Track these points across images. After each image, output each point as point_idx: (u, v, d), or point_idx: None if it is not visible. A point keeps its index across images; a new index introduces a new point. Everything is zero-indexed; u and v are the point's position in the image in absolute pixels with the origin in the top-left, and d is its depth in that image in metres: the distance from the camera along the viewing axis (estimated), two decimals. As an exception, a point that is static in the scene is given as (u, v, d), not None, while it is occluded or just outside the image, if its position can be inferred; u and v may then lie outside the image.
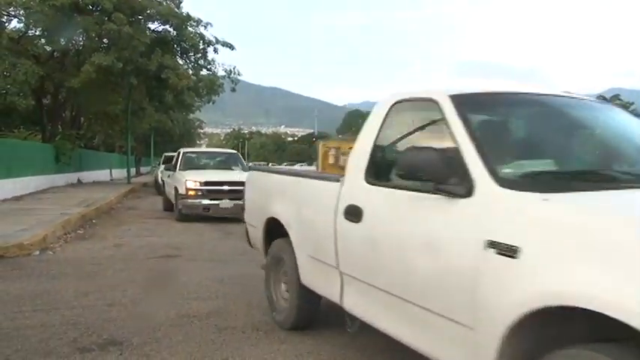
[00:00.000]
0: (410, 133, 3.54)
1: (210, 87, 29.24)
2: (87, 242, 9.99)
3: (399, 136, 3.66)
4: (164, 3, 25.77)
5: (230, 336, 4.69)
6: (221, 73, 28.26)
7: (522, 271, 2.27)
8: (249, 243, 6.13)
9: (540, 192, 2.47)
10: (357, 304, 3.73)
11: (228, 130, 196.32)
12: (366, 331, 4.85)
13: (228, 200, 12.98)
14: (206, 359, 4.14)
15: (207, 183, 13.32)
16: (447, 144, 2.98)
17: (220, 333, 4.76)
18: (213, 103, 31.99)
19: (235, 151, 18.40)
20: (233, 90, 29.13)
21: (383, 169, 3.64)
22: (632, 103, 54.11)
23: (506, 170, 2.82)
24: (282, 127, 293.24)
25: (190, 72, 27.86)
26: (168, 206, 15.55)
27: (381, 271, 3.36)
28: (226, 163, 15.81)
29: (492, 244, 2.43)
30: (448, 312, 2.71)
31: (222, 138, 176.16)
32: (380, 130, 3.70)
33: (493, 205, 2.60)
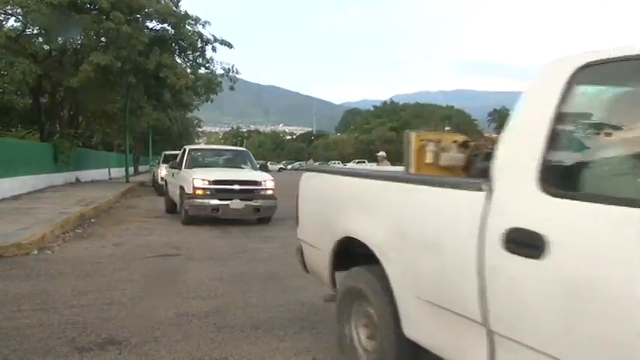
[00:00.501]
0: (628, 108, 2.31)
1: (209, 85, 29.21)
2: (86, 241, 9.98)
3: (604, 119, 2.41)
4: (162, 2, 25.73)
5: (229, 335, 4.69)
6: (219, 71, 28.26)
7: None
8: (304, 267, 4.80)
9: None
10: None
11: (227, 129, 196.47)
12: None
13: (239, 201, 12.41)
14: (205, 358, 4.14)
15: (216, 182, 12.59)
16: None
17: (219, 332, 4.76)
18: (211, 101, 31.98)
19: (245, 149, 17.46)
20: (231, 88, 29.12)
21: (580, 171, 2.33)
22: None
23: None
24: (281, 125, 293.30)
25: (189, 71, 27.81)
26: (171, 208, 14.92)
27: (583, 337, 2.03)
28: (235, 161, 15.11)
29: None
30: None
31: (220, 137, 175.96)
32: (558, 111, 2.32)
33: None
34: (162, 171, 22.67)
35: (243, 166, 14.82)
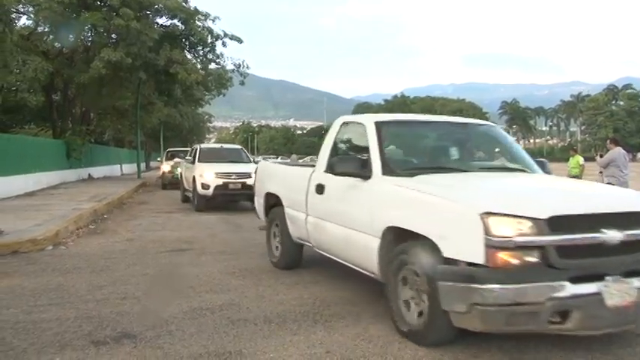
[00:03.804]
0: None
1: (219, 81, 29.30)
2: (99, 237, 10.07)
3: None
4: (171, -3, 25.78)
5: (243, 328, 4.72)
6: (230, 66, 28.34)
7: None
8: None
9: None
10: None
11: (237, 124, 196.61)
12: (378, 322, 4.88)
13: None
14: (220, 351, 4.17)
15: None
16: None
17: (233, 325, 4.79)
18: (224, 95, 32.08)
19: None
20: (242, 83, 29.19)
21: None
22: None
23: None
24: (291, 120, 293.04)
25: (199, 66, 27.89)
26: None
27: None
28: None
29: None
30: None
31: (231, 132, 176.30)
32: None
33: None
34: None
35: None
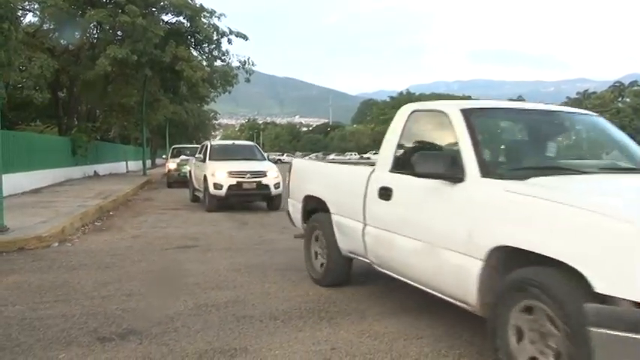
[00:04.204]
0: None
1: (225, 78, 29.33)
2: (105, 234, 10.09)
3: None
4: (177, -6, 25.80)
5: (248, 325, 4.72)
6: (235, 63, 28.37)
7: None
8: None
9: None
10: None
11: (243, 121, 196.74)
12: (383, 319, 4.87)
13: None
14: (225, 348, 4.17)
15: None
16: None
17: (238, 322, 4.79)
18: (229, 92, 32.09)
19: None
20: (247, 80, 29.21)
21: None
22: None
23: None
24: (297, 117, 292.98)
25: (204, 63, 27.91)
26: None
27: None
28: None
29: None
30: None
31: (237, 129, 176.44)
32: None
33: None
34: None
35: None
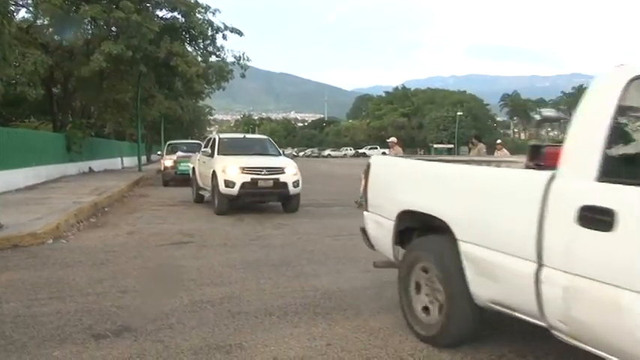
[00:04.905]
0: None
1: (220, 73, 29.25)
2: (99, 230, 10.06)
3: None
4: (171, -10, 25.71)
5: (243, 321, 4.71)
6: (230, 59, 28.26)
7: None
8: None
9: None
10: None
11: (238, 117, 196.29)
12: (379, 315, 4.87)
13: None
14: (220, 344, 4.17)
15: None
16: None
17: (234, 318, 4.78)
18: (223, 89, 32.04)
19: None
20: (242, 76, 29.13)
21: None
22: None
23: None
24: (292, 112, 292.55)
25: (199, 59, 27.83)
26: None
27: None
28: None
29: None
30: None
31: (232, 124, 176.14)
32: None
33: None
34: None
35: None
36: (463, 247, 3.83)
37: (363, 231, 5.27)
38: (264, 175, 12.22)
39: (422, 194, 4.39)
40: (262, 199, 13.17)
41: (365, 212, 5.24)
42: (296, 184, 12.47)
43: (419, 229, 4.52)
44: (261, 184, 12.20)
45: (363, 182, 5.30)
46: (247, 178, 12.07)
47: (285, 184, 12.32)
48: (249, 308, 5.08)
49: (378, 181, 5.13)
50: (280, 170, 12.40)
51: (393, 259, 4.82)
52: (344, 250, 7.92)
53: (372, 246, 5.20)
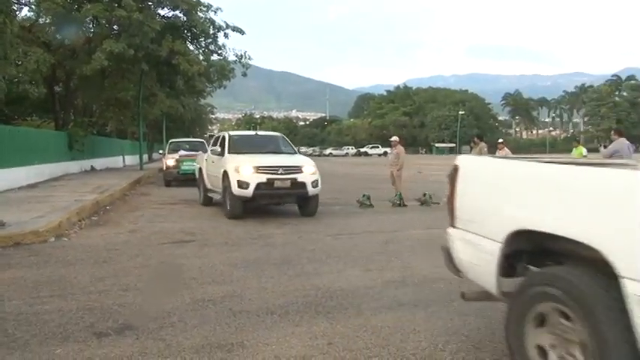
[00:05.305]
0: None
1: (221, 72, 29.25)
2: (101, 228, 10.07)
3: None
4: (173, -12, 25.70)
5: (245, 319, 4.72)
6: (232, 58, 28.26)
7: None
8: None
9: None
10: None
11: (240, 115, 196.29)
12: (380, 314, 4.87)
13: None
14: (222, 343, 4.17)
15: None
16: None
17: (235, 317, 4.79)
18: (224, 87, 32.07)
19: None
20: (244, 75, 29.13)
21: None
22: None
23: None
24: (294, 111, 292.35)
25: (201, 57, 27.82)
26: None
27: None
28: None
29: None
30: None
31: (233, 123, 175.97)
32: None
33: None
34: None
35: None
36: (631, 287, 2.57)
37: (447, 252, 4.10)
38: (281, 174, 11.35)
39: (554, 210, 3.10)
40: (279, 201, 12.39)
41: (450, 229, 4.07)
42: (315, 183, 11.66)
43: (531, 252, 3.46)
44: (277, 184, 11.34)
45: (447, 189, 4.18)
46: (263, 178, 11.21)
47: (303, 184, 11.50)
48: (251, 307, 5.08)
49: (472, 189, 3.94)
50: (298, 169, 11.61)
51: (495, 291, 3.55)
52: (345, 249, 7.93)
53: (457, 272, 4.08)
